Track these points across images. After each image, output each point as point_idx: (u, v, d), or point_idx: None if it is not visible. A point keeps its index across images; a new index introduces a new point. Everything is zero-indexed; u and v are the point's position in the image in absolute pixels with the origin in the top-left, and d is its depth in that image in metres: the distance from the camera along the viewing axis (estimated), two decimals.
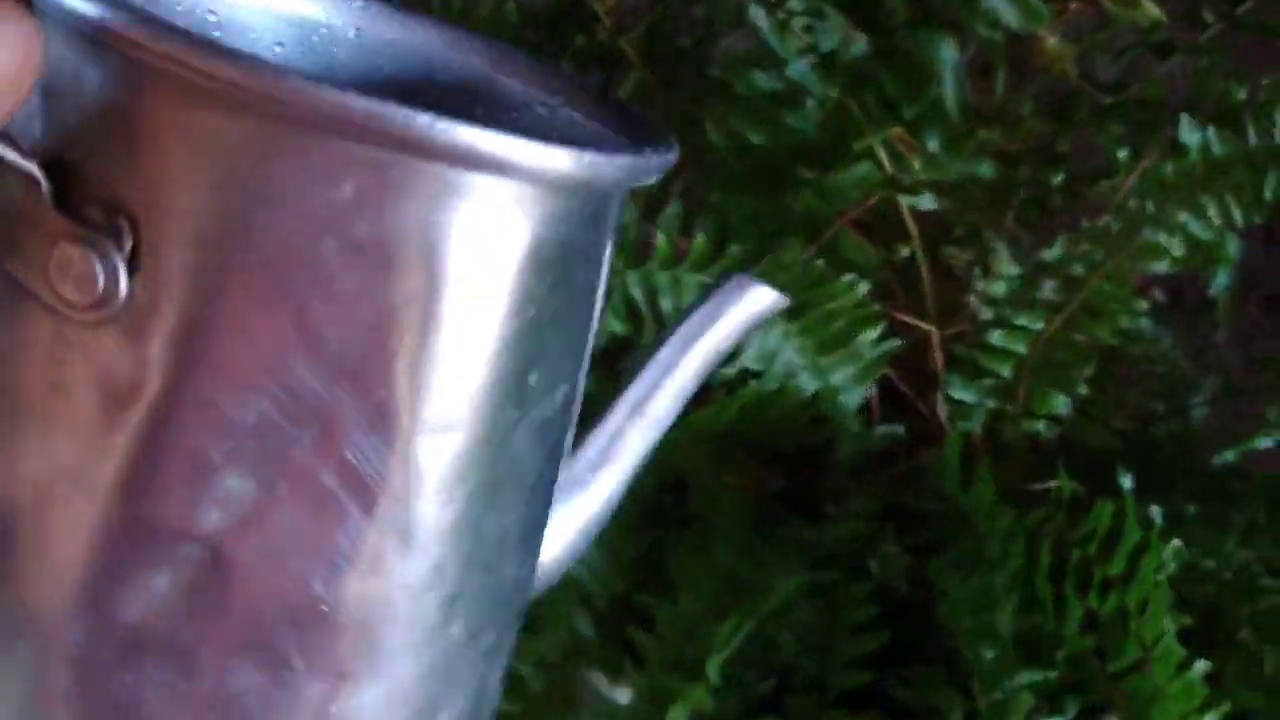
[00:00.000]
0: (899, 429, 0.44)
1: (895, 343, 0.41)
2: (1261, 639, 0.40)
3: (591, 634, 0.39)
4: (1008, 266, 0.45)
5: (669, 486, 0.41)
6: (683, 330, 0.26)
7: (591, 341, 0.24)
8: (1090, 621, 0.36)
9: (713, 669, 0.33)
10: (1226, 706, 0.31)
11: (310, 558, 0.19)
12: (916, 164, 0.38)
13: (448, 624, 0.21)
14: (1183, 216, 0.39)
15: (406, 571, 0.20)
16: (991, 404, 0.45)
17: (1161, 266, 0.40)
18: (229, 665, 0.19)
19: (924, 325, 0.43)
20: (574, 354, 0.23)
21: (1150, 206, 0.39)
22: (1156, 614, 0.32)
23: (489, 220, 0.19)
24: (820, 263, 0.40)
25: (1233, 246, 0.49)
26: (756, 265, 0.40)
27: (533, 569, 0.24)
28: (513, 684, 0.39)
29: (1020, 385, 0.44)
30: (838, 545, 0.41)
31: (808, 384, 0.40)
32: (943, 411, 0.46)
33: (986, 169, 0.47)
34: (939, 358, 0.44)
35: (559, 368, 0.22)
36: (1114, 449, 0.44)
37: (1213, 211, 0.38)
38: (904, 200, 0.40)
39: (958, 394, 0.45)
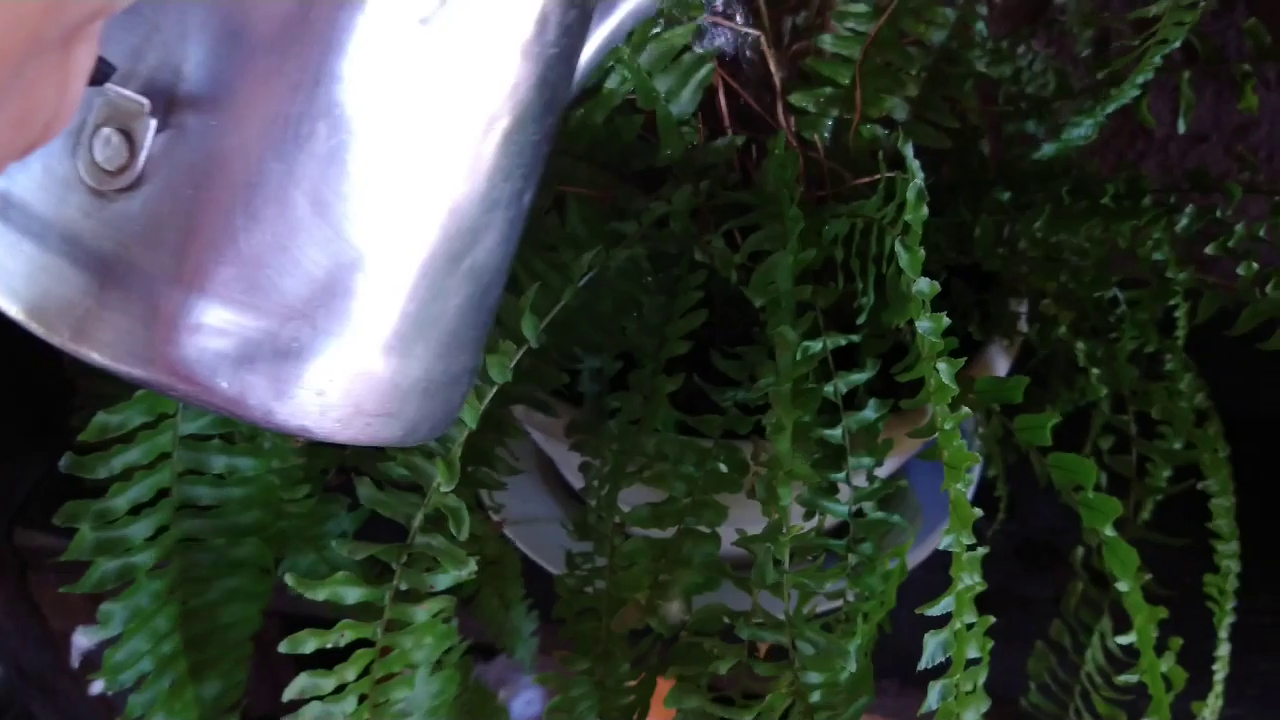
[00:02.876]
0: (738, 139, 0.47)
1: (714, 49, 0.44)
2: (1060, 307, 0.44)
3: None
4: None
5: None
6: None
7: None
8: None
9: (527, 328, 0.37)
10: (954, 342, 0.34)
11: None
12: None
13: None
14: None
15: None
16: (835, 113, 0.48)
17: None
18: None
19: (749, 30, 0.45)
20: None
21: None
22: (914, 259, 0.35)
23: None
24: None
25: None
26: None
27: None
28: None
29: (855, 90, 0.46)
30: (670, 240, 0.44)
31: (625, 84, 0.42)
32: (789, 123, 0.48)
33: None
34: (772, 69, 0.46)
35: None
36: (945, 148, 0.47)
37: None
38: None
39: (799, 103, 0.47)
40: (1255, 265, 0.38)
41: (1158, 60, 0.43)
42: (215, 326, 0.27)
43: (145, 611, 0.35)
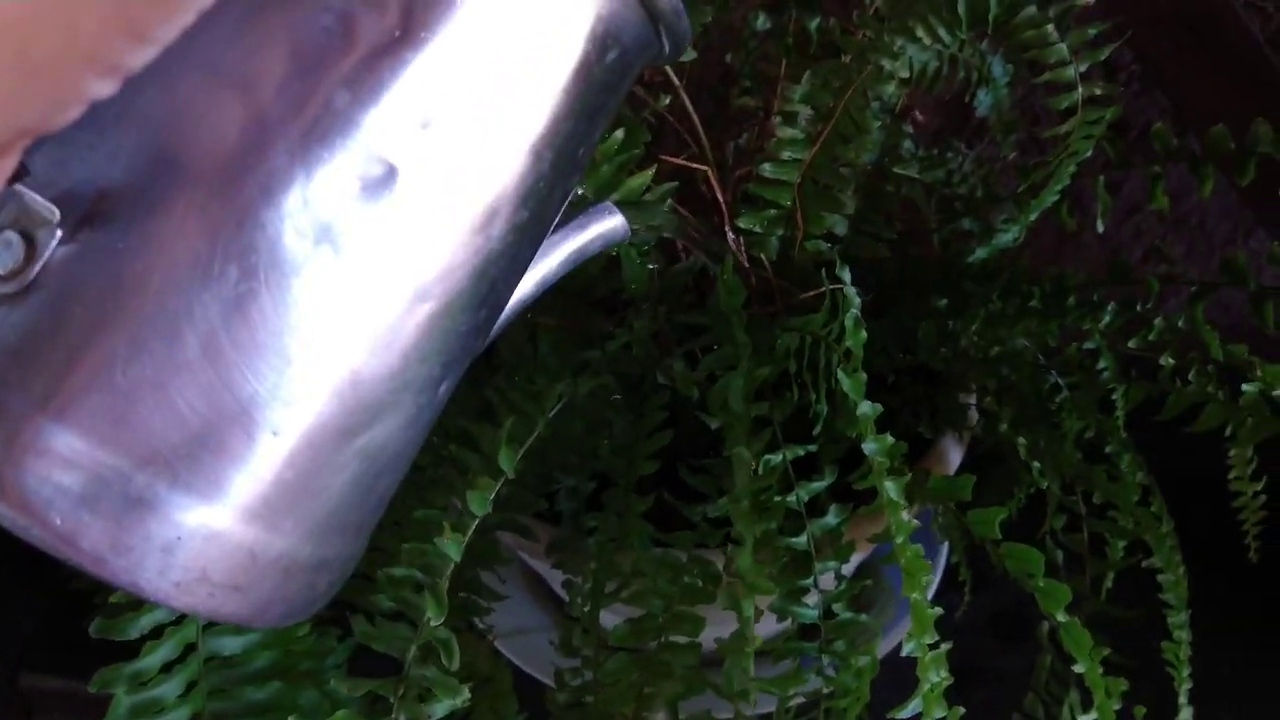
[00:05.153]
0: (693, 265, 0.50)
1: (671, 185, 0.47)
2: (997, 402, 0.47)
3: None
4: (799, 106, 0.50)
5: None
6: (555, 237, 0.35)
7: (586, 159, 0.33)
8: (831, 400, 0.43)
9: (505, 460, 0.40)
10: (903, 447, 0.37)
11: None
12: None
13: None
14: (899, 42, 0.44)
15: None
16: (780, 232, 0.51)
17: (891, 89, 0.45)
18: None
19: (696, 166, 0.48)
20: (588, 151, 0.32)
21: (870, 36, 0.44)
22: (855, 383, 0.38)
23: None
24: None
25: (998, 69, 0.54)
26: None
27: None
28: None
29: (796, 211, 0.50)
30: (634, 364, 0.47)
31: None
32: (737, 244, 0.51)
33: (762, 21, 0.53)
34: (719, 195, 0.50)
35: (584, 156, 0.32)
36: (884, 258, 0.50)
37: (921, 33, 0.44)
38: None
39: (746, 225, 0.50)
40: (1172, 360, 0.41)
41: (1072, 168, 0.46)
42: (63, 455, 0.25)
43: None
